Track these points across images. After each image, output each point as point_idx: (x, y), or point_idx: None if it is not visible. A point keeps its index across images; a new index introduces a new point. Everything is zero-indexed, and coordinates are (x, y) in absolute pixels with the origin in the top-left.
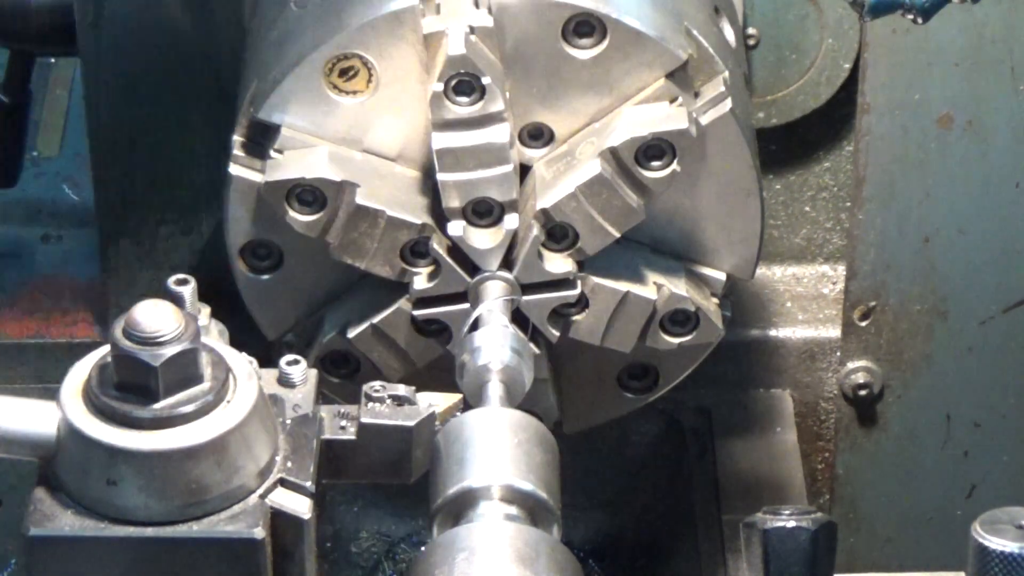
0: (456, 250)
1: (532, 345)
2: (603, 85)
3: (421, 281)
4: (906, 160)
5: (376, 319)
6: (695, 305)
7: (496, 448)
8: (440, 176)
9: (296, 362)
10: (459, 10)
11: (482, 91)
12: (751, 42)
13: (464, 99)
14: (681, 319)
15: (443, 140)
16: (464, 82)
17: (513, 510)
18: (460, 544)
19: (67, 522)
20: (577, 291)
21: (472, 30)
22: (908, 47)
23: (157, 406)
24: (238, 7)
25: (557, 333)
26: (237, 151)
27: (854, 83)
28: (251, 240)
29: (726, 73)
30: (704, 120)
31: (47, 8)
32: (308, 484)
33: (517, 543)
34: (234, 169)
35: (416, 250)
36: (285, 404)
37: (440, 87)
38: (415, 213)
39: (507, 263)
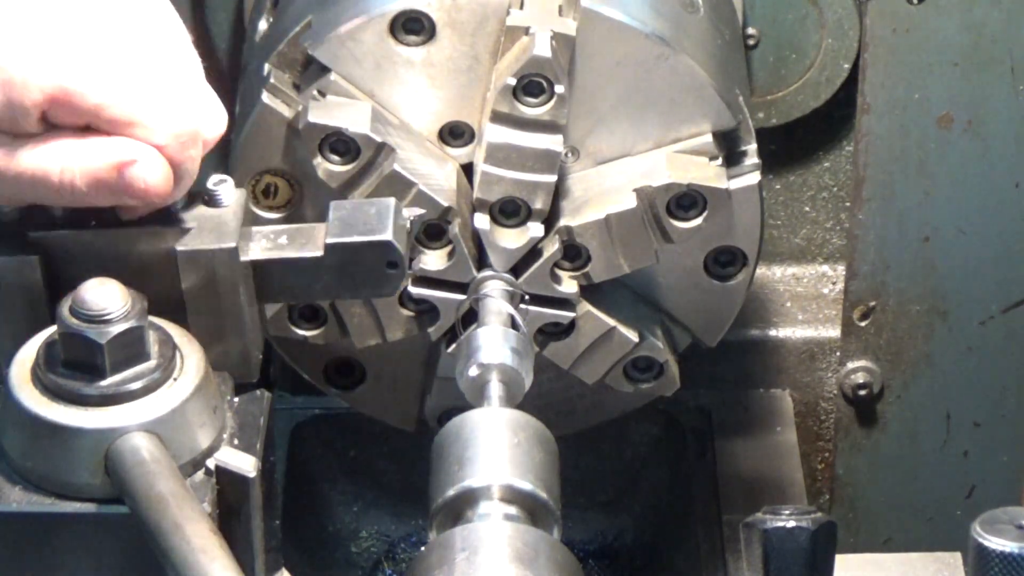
0: (479, 241)
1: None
2: (656, 121)
3: (432, 261)
4: (906, 160)
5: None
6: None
7: (496, 448)
8: (484, 167)
9: (223, 180)
10: (545, 12)
11: (552, 96)
12: (751, 42)
13: (532, 100)
14: (644, 366)
15: (497, 134)
16: (535, 83)
17: (513, 510)
18: (460, 544)
19: (15, 498)
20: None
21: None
22: (908, 47)
23: (104, 383)
24: (238, 8)
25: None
26: (273, 80)
27: (854, 83)
28: (264, 170)
29: (755, 146)
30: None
31: None
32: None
33: (517, 543)
34: (267, 99)
35: (428, 231)
36: (231, 382)
37: (514, 82)
38: (442, 194)
39: (514, 268)
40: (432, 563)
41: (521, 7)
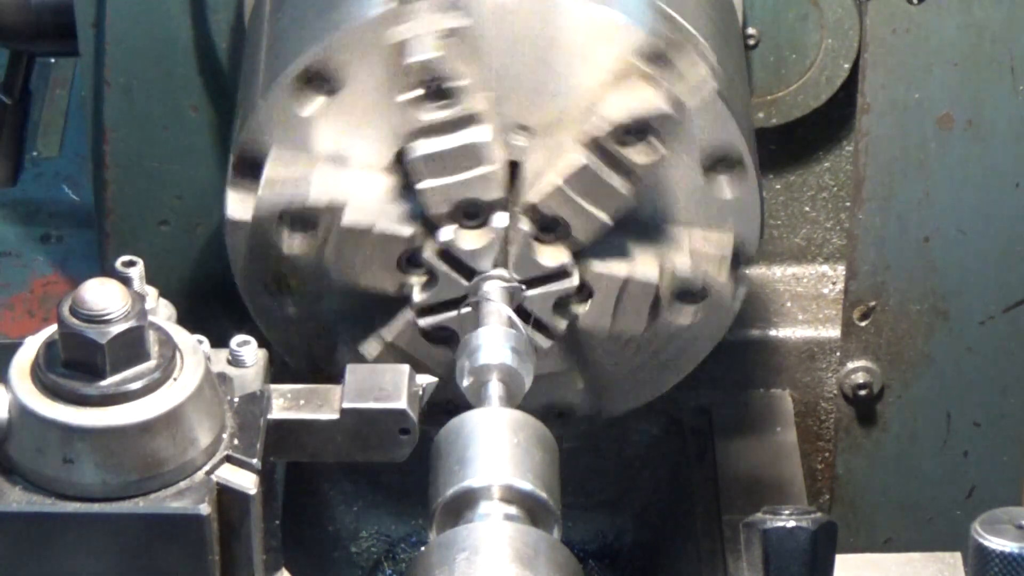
0: (451, 254)
1: (543, 337)
2: (583, 69)
3: (419, 291)
4: (906, 160)
5: (387, 335)
6: (700, 281)
7: (496, 448)
8: (420, 185)
9: (246, 342)
10: (431, 15)
11: (455, 94)
12: (751, 42)
13: (438, 103)
14: (690, 292)
15: (421, 147)
16: (437, 86)
17: (513, 510)
18: (460, 544)
19: (15, 499)
20: (574, 281)
21: (452, 32)
22: (908, 47)
23: (104, 383)
24: (238, 7)
25: (564, 322)
26: (232, 190)
27: (854, 83)
28: (262, 275)
29: (713, 58)
30: (691, 103)
31: (47, 8)
32: (254, 460)
33: (517, 543)
34: (231, 211)
35: (413, 260)
36: (233, 383)
37: (409, 95)
38: (405, 223)
39: (505, 262)
40: (432, 563)
41: (409, 19)
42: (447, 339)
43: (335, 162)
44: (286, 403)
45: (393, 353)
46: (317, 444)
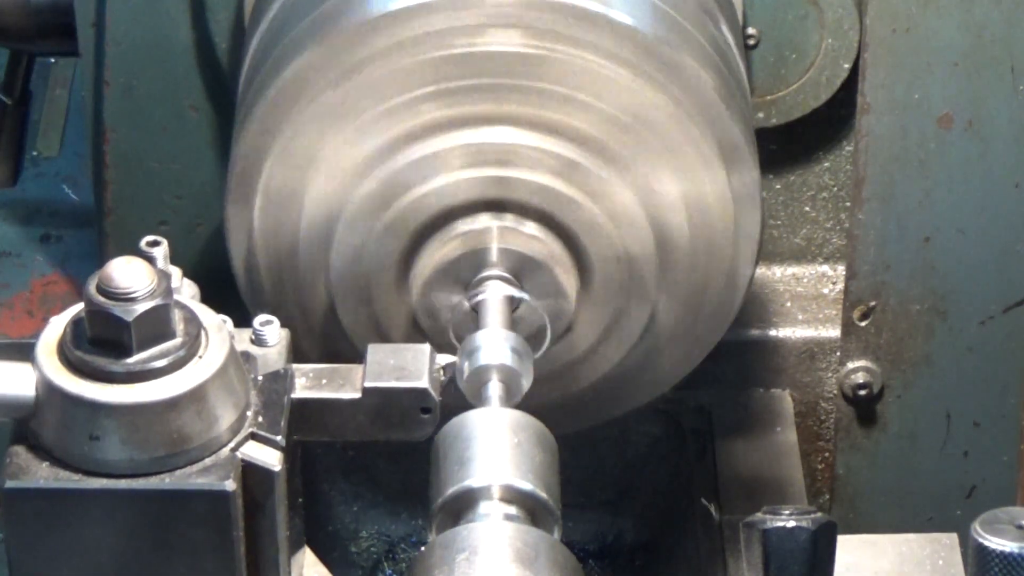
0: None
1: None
2: None
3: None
4: (906, 160)
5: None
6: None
7: (496, 448)
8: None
9: (269, 322)
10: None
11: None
12: (751, 42)
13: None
14: None
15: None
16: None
17: (513, 510)
18: (460, 544)
19: (42, 475)
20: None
21: None
22: (908, 47)
23: (130, 360)
24: (238, 7)
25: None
26: (231, 205)
27: (854, 83)
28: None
29: (714, 58)
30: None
31: (47, 8)
32: (279, 438)
33: (517, 543)
34: (231, 224)
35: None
36: (257, 362)
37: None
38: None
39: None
40: (432, 563)
41: None
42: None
43: (330, 169)
44: (308, 382)
45: None
46: (339, 423)
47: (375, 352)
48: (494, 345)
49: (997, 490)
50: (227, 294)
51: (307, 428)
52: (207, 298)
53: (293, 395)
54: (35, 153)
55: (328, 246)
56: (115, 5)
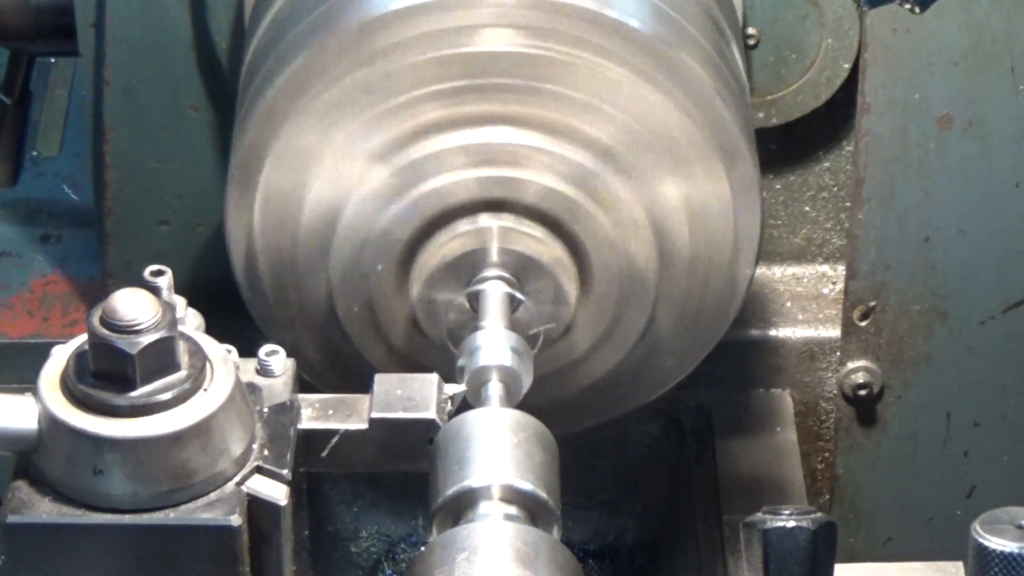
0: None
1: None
2: None
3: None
4: (906, 160)
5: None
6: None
7: (496, 448)
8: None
9: (275, 352)
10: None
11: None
12: (751, 42)
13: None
14: None
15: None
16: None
17: (513, 510)
18: (460, 544)
19: (45, 509)
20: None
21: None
22: (908, 47)
23: (135, 394)
24: (238, 7)
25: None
26: (232, 206)
27: (854, 83)
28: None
29: (713, 57)
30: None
31: (47, 8)
32: (285, 472)
33: (517, 543)
34: (231, 227)
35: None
36: (263, 393)
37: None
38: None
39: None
40: (432, 563)
41: None
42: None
43: (330, 169)
44: (314, 412)
45: (397, 358)
46: (346, 455)
47: (382, 382)
48: (494, 345)
49: (997, 490)
50: (227, 294)
51: (313, 460)
52: (208, 298)
53: (299, 426)
54: (35, 153)
55: (328, 246)
56: (115, 5)
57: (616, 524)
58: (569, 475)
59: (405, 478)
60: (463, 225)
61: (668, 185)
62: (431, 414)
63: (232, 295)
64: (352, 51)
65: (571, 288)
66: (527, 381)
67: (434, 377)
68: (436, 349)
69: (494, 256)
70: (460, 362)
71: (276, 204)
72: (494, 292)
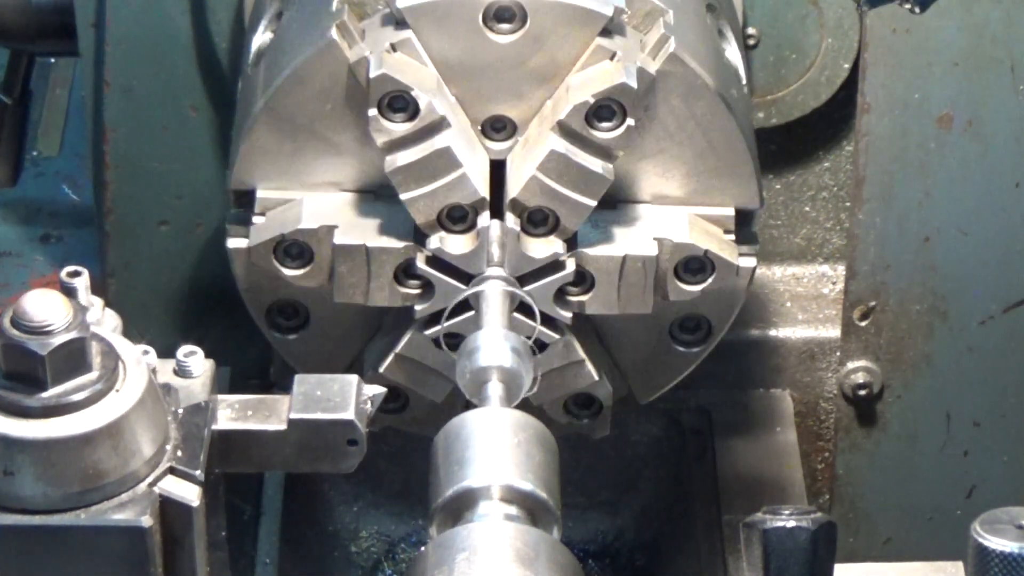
0: (443, 261)
1: (550, 332)
2: (542, 63)
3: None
4: (906, 160)
5: (398, 348)
6: (702, 249)
7: (496, 448)
8: (402, 196)
9: (193, 353)
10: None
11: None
12: (751, 42)
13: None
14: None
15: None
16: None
17: (513, 510)
18: (460, 544)
19: None
20: (569, 271)
21: (393, 47)
22: (908, 47)
23: (45, 395)
24: (238, 7)
25: (568, 315)
26: (230, 224)
27: (854, 83)
28: (270, 304)
29: (668, 15)
30: (653, 68)
31: (47, 8)
32: (197, 472)
33: (517, 543)
34: (231, 243)
35: (411, 273)
36: (179, 394)
37: (375, 111)
38: (397, 237)
39: (520, 276)
40: (432, 563)
41: (360, 39)
42: (411, 289)
43: (323, 186)
44: (234, 414)
45: (405, 365)
46: (264, 455)
47: (302, 383)
48: (494, 345)
49: (997, 490)
50: (227, 294)
51: (232, 460)
52: (207, 297)
53: (217, 427)
54: (35, 153)
55: (328, 245)
56: (115, 5)
57: (616, 524)
58: (569, 475)
59: (405, 478)
60: (450, 230)
61: (669, 187)
62: (350, 415)
63: (231, 294)
64: (308, 83)
65: (566, 316)
66: (527, 381)
67: (354, 378)
68: (382, 315)
69: (483, 256)
70: (460, 363)
71: (276, 205)
72: (494, 292)
